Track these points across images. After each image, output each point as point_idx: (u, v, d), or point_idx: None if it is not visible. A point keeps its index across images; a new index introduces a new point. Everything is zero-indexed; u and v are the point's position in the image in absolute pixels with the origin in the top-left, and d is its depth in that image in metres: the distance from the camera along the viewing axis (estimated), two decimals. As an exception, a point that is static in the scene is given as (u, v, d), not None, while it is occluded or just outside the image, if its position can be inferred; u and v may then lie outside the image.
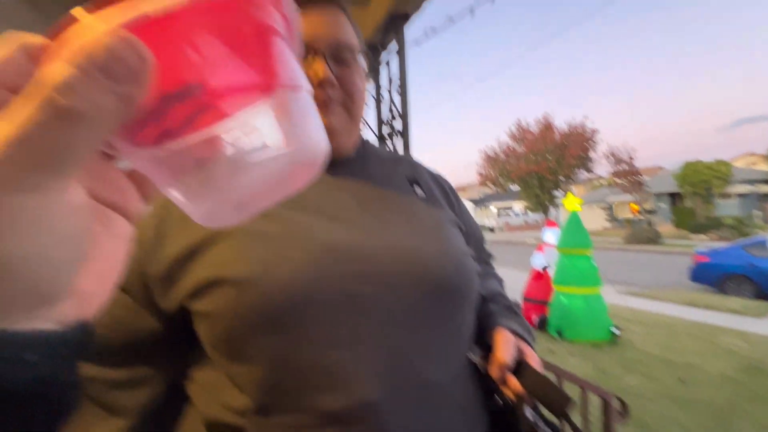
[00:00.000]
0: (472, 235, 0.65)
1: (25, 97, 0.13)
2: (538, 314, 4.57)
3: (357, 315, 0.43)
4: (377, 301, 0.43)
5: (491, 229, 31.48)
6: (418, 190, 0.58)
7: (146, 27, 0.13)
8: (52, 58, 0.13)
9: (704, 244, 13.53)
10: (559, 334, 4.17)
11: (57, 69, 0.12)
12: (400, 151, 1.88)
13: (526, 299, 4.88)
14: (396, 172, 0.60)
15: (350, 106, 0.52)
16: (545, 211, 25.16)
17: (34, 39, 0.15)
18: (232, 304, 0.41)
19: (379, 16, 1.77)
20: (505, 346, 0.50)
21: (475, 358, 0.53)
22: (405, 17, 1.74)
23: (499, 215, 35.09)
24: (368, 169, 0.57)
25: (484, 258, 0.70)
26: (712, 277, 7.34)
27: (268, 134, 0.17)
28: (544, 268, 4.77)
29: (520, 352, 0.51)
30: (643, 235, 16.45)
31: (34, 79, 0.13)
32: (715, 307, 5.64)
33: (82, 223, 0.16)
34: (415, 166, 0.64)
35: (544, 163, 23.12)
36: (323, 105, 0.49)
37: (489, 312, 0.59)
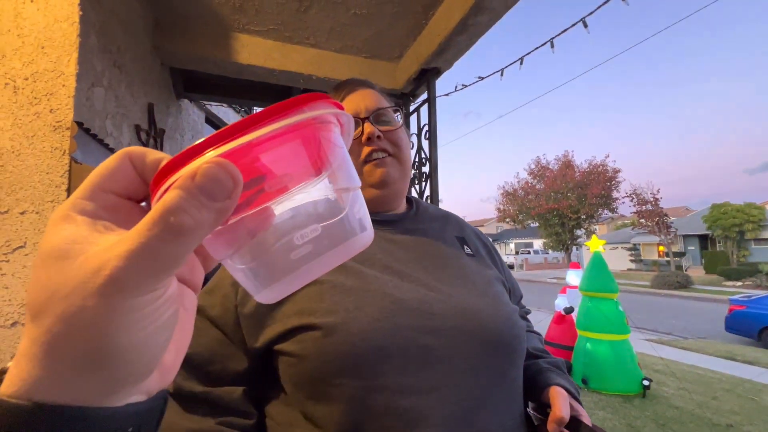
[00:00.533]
0: (514, 291, 0.70)
1: (147, 217, 0.15)
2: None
3: (425, 365, 0.47)
4: (442, 353, 0.48)
5: (510, 267, 30.75)
6: (467, 249, 0.65)
7: (240, 150, 0.17)
8: (166, 182, 0.17)
9: (739, 291, 12.76)
10: (584, 382, 3.95)
11: (171, 195, 0.16)
12: (427, 192, 1.95)
13: (548, 343, 4.69)
14: (446, 230, 0.66)
15: (399, 156, 0.63)
16: (566, 249, 24.49)
17: (137, 150, 0.19)
18: (318, 347, 0.45)
19: (412, 69, 1.92)
20: (563, 402, 0.53)
21: (532, 412, 0.56)
22: (436, 72, 1.88)
23: (517, 252, 34.35)
24: (422, 227, 0.65)
25: (522, 314, 0.74)
26: (750, 327, 6.87)
27: (320, 214, 0.20)
28: (568, 311, 4.61)
29: (573, 410, 0.54)
30: (672, 279, 15.67)
31: (155, 203, 0.16)
32: (756, 362, 5.24)
33: (174, 307, 0.18)
34: (463, 225, 0.71)
35: (565, 201, 22.82)
36: (379, 160, 0.60)
37: (540, 369, 0.62)
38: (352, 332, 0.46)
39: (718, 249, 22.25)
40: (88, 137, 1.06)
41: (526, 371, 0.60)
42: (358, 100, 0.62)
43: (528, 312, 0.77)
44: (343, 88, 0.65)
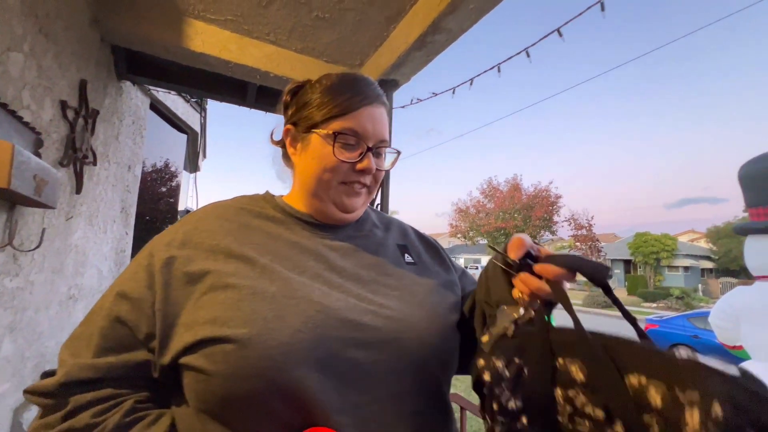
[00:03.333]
0: (467, 277, 0.70)
1: None
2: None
3: (351, 380, 0.45)
4: (370, 368, 0.46)
5: (458, 281, 31.71)
6: (408, 257, 0.63)
7: None
8: None
9: (654, 312, 14.26)
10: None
11: None
12: (378, 200, 1.96)
13: (488, 355, 4.89)
14: (388, 238, 0.65)
15: (372, 190, 0.61)
16: (510, 267, 25.84)
17: None
18: (231, 362, 0.41)
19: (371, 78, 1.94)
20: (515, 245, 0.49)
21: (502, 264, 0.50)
22: (395, 84, 1.92)
23: (466, 267, 35.61)
24: (363, 234, 0.63)
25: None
26: (661, 345, 7.64)
27: None
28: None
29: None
30: (600, 300, 17.15)
31: None
32: (664, 376, 5.85)
33: None
34: (406, 232, 0.70)
35: (512, 221, 24.20)
36: (357, 192, 0.58)
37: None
38: (270, 345, 0.42)
39: (639, 273, 24.80)
40: (-4, 106, 0.94)
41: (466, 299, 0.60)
42: (374, 120, 0.57)
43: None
44: (365, 94, 0.57)
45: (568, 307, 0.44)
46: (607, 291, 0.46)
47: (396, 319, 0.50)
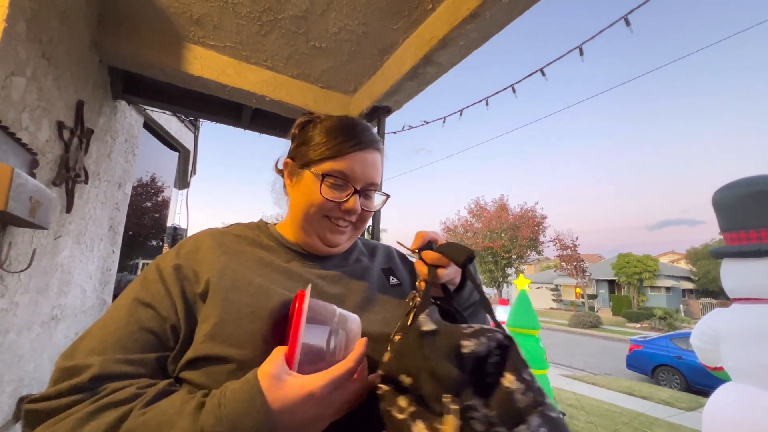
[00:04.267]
0: None
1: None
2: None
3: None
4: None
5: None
6: (393, 279, 0.67)
7: None
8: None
9: (638, 332, 14.43)
10: (507, 417, 4.12)
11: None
12: (369, 222, 1.99)
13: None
14: (374, 264, 0.69)
15: (359, 227, 0.65)
16: (498, 286, 25.99)
17: None
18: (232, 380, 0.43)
19: (365, 105, 2.02)
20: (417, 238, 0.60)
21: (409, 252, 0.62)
22: (387, 110, 1.99)
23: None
24: (350, 262, 0.67)
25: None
26: (646, 365, 7.76)
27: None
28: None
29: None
30: (586, 319, 17.31)
31: None
32: (650, 398, 5.89)
33: None
34: (391, 255, 0.74)
35: (499, 241, 24.48)
36: (342, 228, 0.61)
37: None
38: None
39: (622, 293, 25.19)
40: (-3, 129, 0.95)
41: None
42: (365, 165, 0.60)
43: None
44: (358, 139, 0.61)
45: (427, 290, 0.54)
46: (465, 271, 0.56)
47: (380, 341, 0.53)
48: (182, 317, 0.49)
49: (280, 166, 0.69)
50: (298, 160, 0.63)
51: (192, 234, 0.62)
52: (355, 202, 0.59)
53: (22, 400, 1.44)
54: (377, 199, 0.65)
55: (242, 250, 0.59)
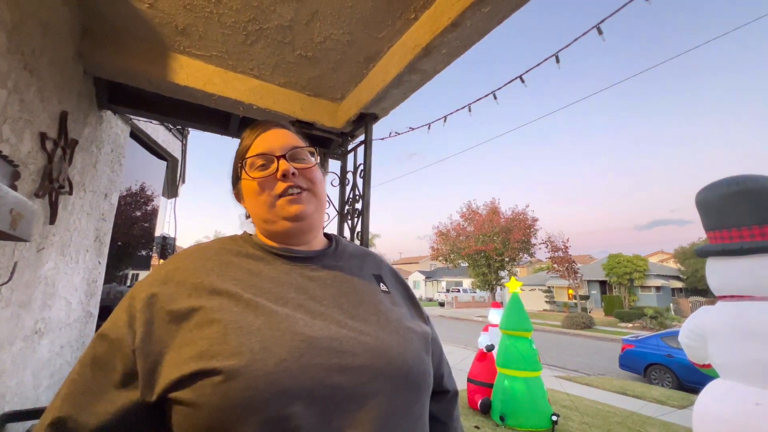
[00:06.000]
0: (434, 338, 0.72)
1: None
2: (482, 396, 4.53)
3: (334, 405, 0.46)
4: (351, 391, 0.47)
5: (441, 304, 31.65)
6: (383, 286, 0.67)
7: None
8: None
9: (630, 332, 14.58)
10: (502, 420, 4.12)
11: None
12: (359, 228, 2.00)
13: (471, 380, 4.85)
14: (364, 268, 0.69)
15: (314, 190, 0.65)
16: (491, 289, 26.08)
17: None
18: (219, 393, 0.43)
19: (352, 112, 2.03)
20: None
21: None
22: (374, 117, 2.01)
23: (448, 290, 35.63)
24: (340, 264, 0.66)
25: (443, 370, 0.76)
26: (638, 364, 7.83)
27: None
28: (489, 349, 4.85)
29: None
30: (579, 320, 17.41)
31: None
32: (643, 397, 5.94)
33: None
34: (380, 264, 0.74)
35: (491, 244, 24.60)
36: (295, 196, 0.62)
37: None
38: (257, 375, 0.43)
39: (614, 294, 25.45)
40: (-23, 142, 0.94)
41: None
42: (272, 139, 0.65)
43: (449, 370, 0.78)
44: (258, 126, 0.68)
45: None
46: None
47: (373, 345, 0.52)
48: (141, 356, 0.48)
49: (235, 199, 0.72)
50: (235, 181, 0.69)
51: (176, 253, 0.62)
52: (284, 164, 0.62)
53: (4, 417, 1.40)
54: (311, 158, 0.67)
55: (228, 262, 0.58)
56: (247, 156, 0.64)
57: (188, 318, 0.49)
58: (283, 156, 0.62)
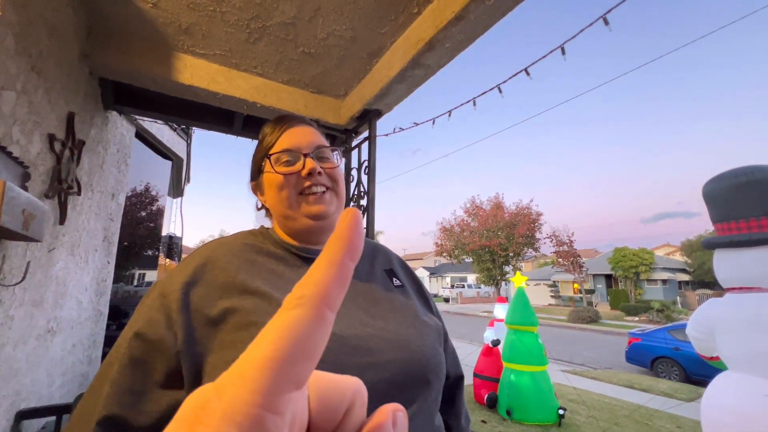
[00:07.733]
0: (443, 326, 0.72)
1: None
2: (488, 391, 4.54)
3: (370, 403, 0.45)
4: (379, 387, 0.49)
5: (446, 300, 31.66)
6: (395, 281, 0.68)
7: None
8: None
9: (636, 325, 14.51)
10: (509, 414, 4.13)
11: None
12: (364, 224, 2.01)
13: (477, 375, 4.86)
14: (375, 264, 0.70)
15: (337, 190, 0.66)
16: (496, 284, 26.05)
17: None
18: None
19: (356, 108, 2.03)
20: None
21: None
22: (378, 113, 2.01)
23: (453, 286, 35.63)
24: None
25: (449, 349, 0.76)
26: (645, 358, 7.80)
27: None
28: (495, 344, 4.86)
29: None
30: (584, 314, 17.36)
31: None
32: (650, 390, 5.92)
33: None
34: (390, 258, 0.75)
35: (495, 240, 24.55)
36: (318, 195, 0.62)
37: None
38: None
39: (620, 287, 25.31)
40: (-11, 144, 0.96)
41: None
42: (300, 136, 0.65)
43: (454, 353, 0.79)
44: (284, 121, 0.67)
45: None
46: None
47: (395, 340, 0.54)
48: (186, 359, 0.47)
49: (252, 191, 0.72)
50: (256, 174, 0.68)
51: (199, 248, 0.61)
52: (311, 163, 0.62)
53: (19, 414, 1.43)
54: (335, 157, 0.68)
55: (253, 260, 0.59)
56: (272, 152, 0.64)
57: (224, 320, 0.49)
58: (310, 154, 0.63)
